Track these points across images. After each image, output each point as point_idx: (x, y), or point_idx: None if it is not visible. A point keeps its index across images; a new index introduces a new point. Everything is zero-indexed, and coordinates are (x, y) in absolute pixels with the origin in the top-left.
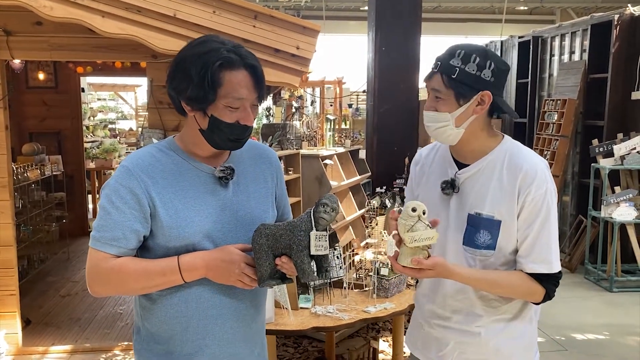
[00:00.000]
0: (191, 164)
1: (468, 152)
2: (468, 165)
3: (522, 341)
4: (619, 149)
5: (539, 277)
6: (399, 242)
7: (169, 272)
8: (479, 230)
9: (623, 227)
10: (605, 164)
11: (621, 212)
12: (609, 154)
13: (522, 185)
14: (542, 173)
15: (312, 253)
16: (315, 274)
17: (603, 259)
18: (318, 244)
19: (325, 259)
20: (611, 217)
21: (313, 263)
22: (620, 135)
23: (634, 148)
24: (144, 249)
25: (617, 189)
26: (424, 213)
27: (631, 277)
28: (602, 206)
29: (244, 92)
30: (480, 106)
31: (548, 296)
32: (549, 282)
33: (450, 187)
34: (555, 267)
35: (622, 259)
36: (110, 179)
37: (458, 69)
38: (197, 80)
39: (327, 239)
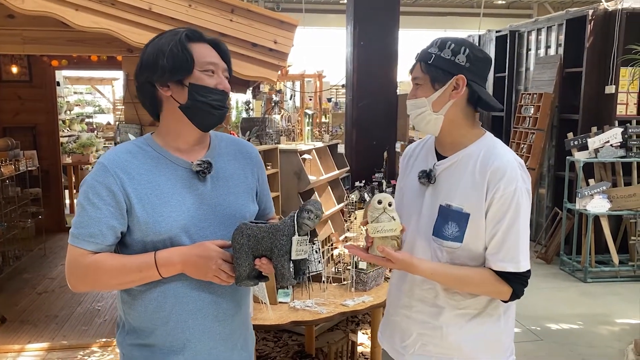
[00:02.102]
0: (168, 158)
1: (448, 144)
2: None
3: (487, 340)
4: (593, 142)
5: (506, 276)
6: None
7: (145, 268)
8: (448, 222)
9: (597, 218)
10: (580, 157)
11: (595, 204)
12: (584, 147)
13: (491, 180)
14: (513, 171)
15: (292, 258)
16: (293, 277)
17: (578, 250)
18: (299, 249)
19: (304, 263)
20: (585, 209)
21: (292, 266)
22: (594, 129)
23: (608, 141)
24: (122, 245)
25: (592, 181)
26: (389, 205)
27: (605, 268)
28: (576, 198)
29: (213, 58)
30: (455, 91)
31: (515, 295)
32: (516, 282)
33: (426, 177)
34: (523, 266)
35: (596, 250)
36: (87, 175)
37: (434, 55)
38: (170, 52)
39: (307, 243)
